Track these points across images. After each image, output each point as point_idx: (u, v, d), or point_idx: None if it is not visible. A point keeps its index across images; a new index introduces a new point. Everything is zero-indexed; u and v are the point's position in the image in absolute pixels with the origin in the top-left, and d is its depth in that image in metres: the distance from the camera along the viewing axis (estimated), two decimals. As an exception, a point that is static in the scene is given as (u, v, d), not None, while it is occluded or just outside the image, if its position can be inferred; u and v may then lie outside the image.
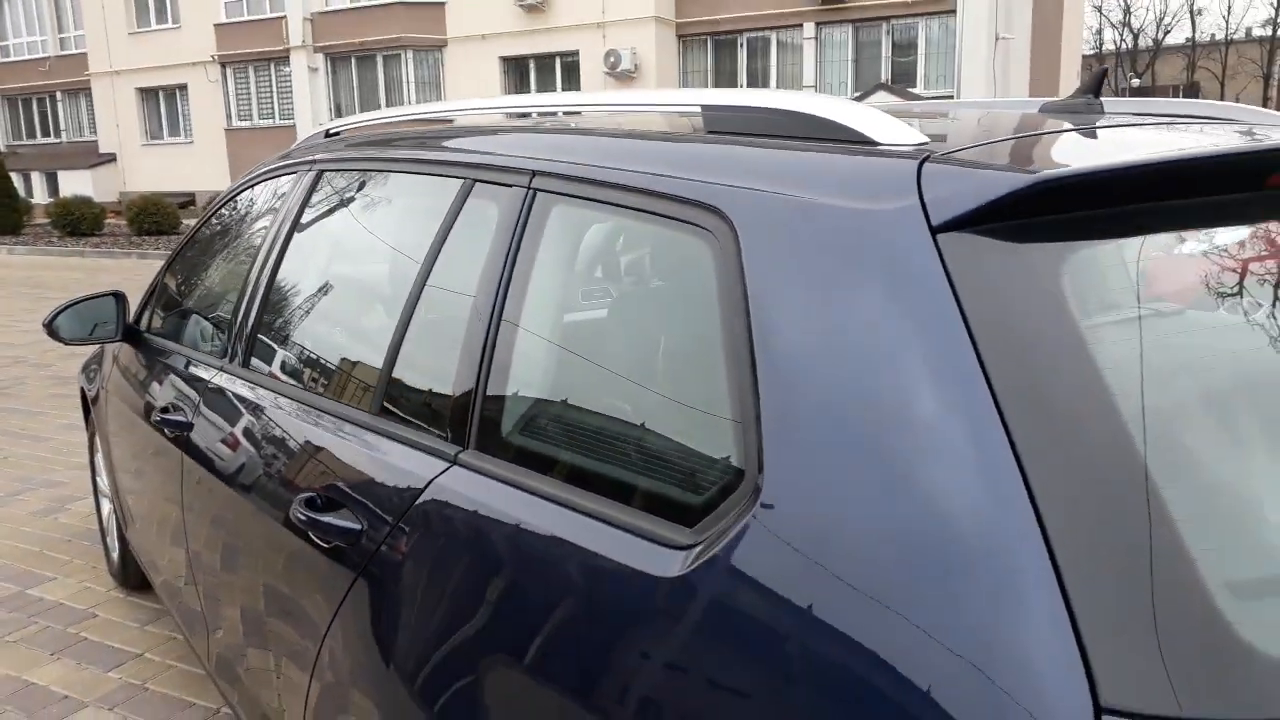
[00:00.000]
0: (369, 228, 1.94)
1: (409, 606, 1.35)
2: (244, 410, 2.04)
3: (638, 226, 1.30)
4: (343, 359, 1.85)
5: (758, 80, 21.59)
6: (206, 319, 2.53)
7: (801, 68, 21.08)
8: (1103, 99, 1.60)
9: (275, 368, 2.04)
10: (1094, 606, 0.76)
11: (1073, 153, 1.12)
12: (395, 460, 1.51)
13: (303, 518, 1.58)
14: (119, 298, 2.93)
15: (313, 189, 2.15)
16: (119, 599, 3.58)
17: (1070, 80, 25.84)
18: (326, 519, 1.55)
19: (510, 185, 1.50)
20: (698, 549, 1.01)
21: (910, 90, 18.95)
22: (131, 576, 3.53)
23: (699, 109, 1.36)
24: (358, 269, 1.96)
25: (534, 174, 1.46)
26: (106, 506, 3.70)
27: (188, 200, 25.19)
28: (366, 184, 2.00)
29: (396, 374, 1.61)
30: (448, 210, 1.63)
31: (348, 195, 2.06)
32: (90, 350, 5.72)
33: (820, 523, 0.91)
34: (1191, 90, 49.64)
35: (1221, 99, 46.86)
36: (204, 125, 26.87)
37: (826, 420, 0.94)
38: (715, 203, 1.14)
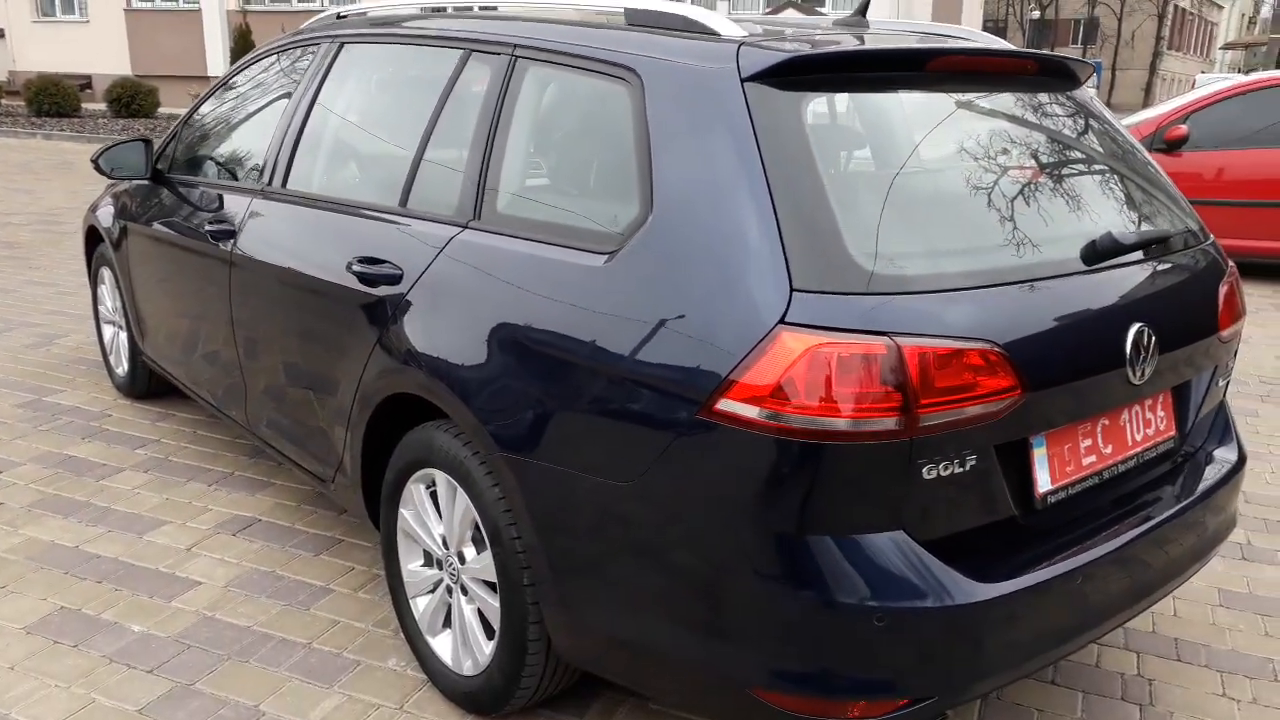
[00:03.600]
0: (386, 85, 2.74)
1: (437, 315, 2.19)
2: (290, 217, 2.81)
3: (583, 80, 2.13)
4: (373, 175, 2.65)
5: None
6: (241, 158, 3.26)
7: (717, -18, 21.58)
8: (869, 19, 2.51)
9: (315, 186, 2.82)
10: (795, 250, 1.66)
11: (819, 44, 1.97)
12: (423, 229, 2.33)
13: (359, 270, 2.41)
14: (147, 143, 3.61)
15: (336, 56, 2.90)
16: (127, 404, 4.30)
17: (973, 6, 26.85)
18: (375, 269, 2.38)
19: (498, 54, 2.32)
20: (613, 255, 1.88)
21: (819, 10, 19.68)
22: (139, 387, 4.25)
23: (622, 11, 2.20)
24: (380, 115, 2.75)
25: (515, 46, 2.28)
26: (109, 331, 4.40)
27: (85, 83, 24.49)
28: (383, 53, 2.79)
29: (417, 181, 2.42)
30: (450, 74, 2.44)
31: (368, 61, 2.84)
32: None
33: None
34: (1091, 24, 51.47)
35: (1118, 35, 49.05)
36: (102, 4, 25.93)
37: (682, 188, 1.81)
38: (631, 64, 1.98)
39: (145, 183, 3.73)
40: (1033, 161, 2.05)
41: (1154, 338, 1.95)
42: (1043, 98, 2.20)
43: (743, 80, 1.82)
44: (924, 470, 1.66)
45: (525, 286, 2.02)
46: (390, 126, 2.66)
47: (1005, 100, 2.14)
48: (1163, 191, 2.29)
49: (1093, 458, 1.96)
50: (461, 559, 2.27)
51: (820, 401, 1.59)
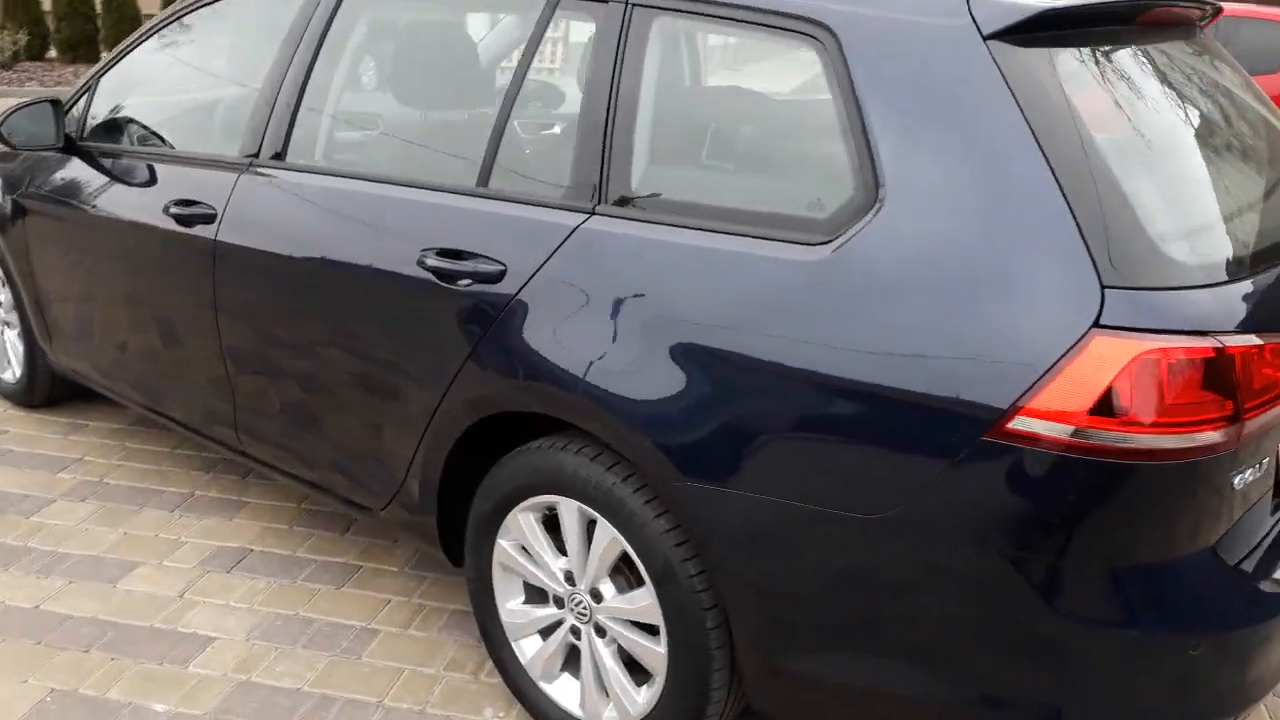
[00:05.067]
0: (429, 35, 2.28)
1: (573, 321, 1.83)
2: (310, 198, 2.31)
3: (742, 35, 1.80)
4: (433, 146, 2.21)
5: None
6: (203, 122, 2.71)
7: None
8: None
9: (339, 160, 2.35)
10: (1096, 240, 1.43)
11: None
12: (526, 216, 1.94)
13: (437, 264, 2.00)
14: (55, 104, 2.97)
15: (337, 7, 2.39)
16: (23, 416, 3.63)
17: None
18: (462, 265, 1.98)
19: (605, 1, 1.93)
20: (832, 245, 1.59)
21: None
22: (38, 395, 3.59)
23: None
24: (428, 71, 2.29)
25: (630, -5, 1.91)
26: None
27: None
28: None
29: (500, 155, 2.02)
30: (534, 24, 2.03)
31: (395, 2, 2.36)
32: None
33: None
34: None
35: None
36: None
37: (927, 168, 1.53)
38: (822, 19, 1.67)
39: (51, 153, 3.08)
40: (1247, 126, 1.89)
41: None
42: (1207, 51, 2.04)
43: (984, 38, 1.55)
44: (1234, 481, 1.49)
45: (706, 285, 1.70)
46: (447, 86, 2.23)
47: (1198, 55, 1.96)
48: None
49: None
50: (597, 596, 1.96)
51: (1149, 416, 1.38)
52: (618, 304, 1.79)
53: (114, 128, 3.00)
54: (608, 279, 1.81)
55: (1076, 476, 1.42)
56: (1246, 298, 1.50)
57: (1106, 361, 1.39)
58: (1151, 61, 1.80)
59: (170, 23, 2.89)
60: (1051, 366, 1.40)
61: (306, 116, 2.40)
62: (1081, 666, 1.48)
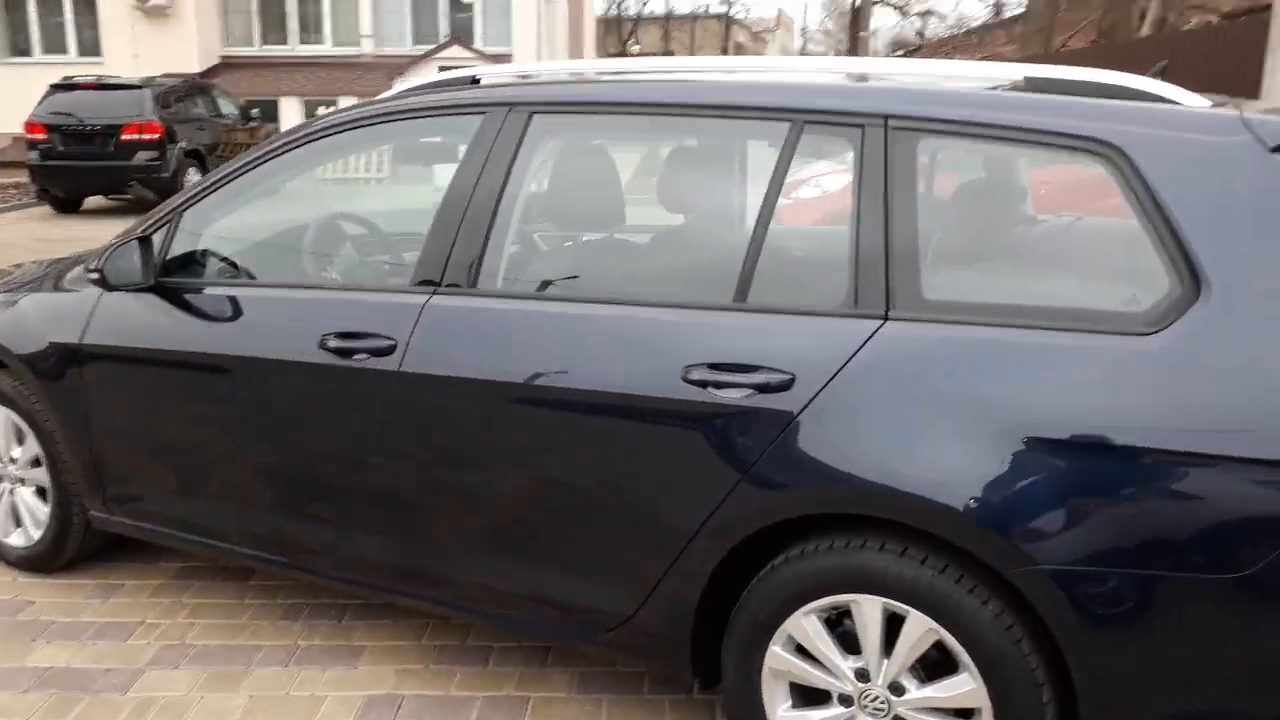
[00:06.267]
0: (648, 163, 2.33)
1: (888, 425, 1.91)
2: (533, 323, 2.30)
3: (1022, 153, 1.97)
4: (675, 266, 2.26)
5: (309, 24, 20.94)
6: (350, 255, 2.61)
7: (357, 17, 20.79)
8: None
9: (557, 284, 2.38)
10: None
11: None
12: (799, 325, 2.02)
13: (707, 378, 2.04)
14: (144, 241, 2.76)
15: (526, 129, 2.40)
16: (41, 583, 3.25)
17: (590, 41, 28.23)
18: (740, 377, 2.02)
19: (859, 126, 2.07)
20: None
21: (475, 48, 19.64)
22: (67, 553, 3.24)
23: (1022, 79, 2.07)
24: (661, 196, 2.36)
25: (887, 117, 2.05)
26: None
27: None
28: (626, 125, 2.38)
29: (759, 270, 2.09)
30: (781, 150, 2.13)
31: (597, 135, 2.41)
32: None
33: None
34: (668, 55, 56.22)
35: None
36: None
37: (1245, 263, 1.74)
38: (1107, 138, 1.87)
39: (121, 293, 2.85)
40: None
41: None
42: None
43: (1270, 151, 1.79)
44: None
45: (1031, 378, 1.83)
46: (684, 209, 2.29)
47: None
48: None
49: None
50: (897, 690, 2.00)
51: None
52: (937, 405, 1.89)
53: (210, 264, 2.84)
54: (919, 381, 1.91)
55: None
56: None
57: None
58: None
59: (250, 163, 2.80)
60: None
61: (506, 246, 2.39)
62: None
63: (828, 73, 2.47)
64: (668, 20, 55.77)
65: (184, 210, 2.88)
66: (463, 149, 2.50)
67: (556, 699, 2.62)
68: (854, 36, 44.84)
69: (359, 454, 2.50)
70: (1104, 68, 2.18)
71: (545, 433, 2.26)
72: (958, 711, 1.97)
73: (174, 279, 2.81)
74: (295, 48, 21.00)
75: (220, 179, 2.84)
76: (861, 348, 1.97)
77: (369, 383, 2.44)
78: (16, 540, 3.32)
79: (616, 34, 55.63)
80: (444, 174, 2.70)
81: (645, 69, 2.58)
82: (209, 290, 2.77)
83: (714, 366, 2.06)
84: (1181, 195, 1.81)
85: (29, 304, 3.16)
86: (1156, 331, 1.78)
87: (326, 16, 20.93)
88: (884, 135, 2.04)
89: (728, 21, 54.24)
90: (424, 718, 2.55)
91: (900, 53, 29.70)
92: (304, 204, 2.78)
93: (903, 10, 36.84)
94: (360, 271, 2.83)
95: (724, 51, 54.59)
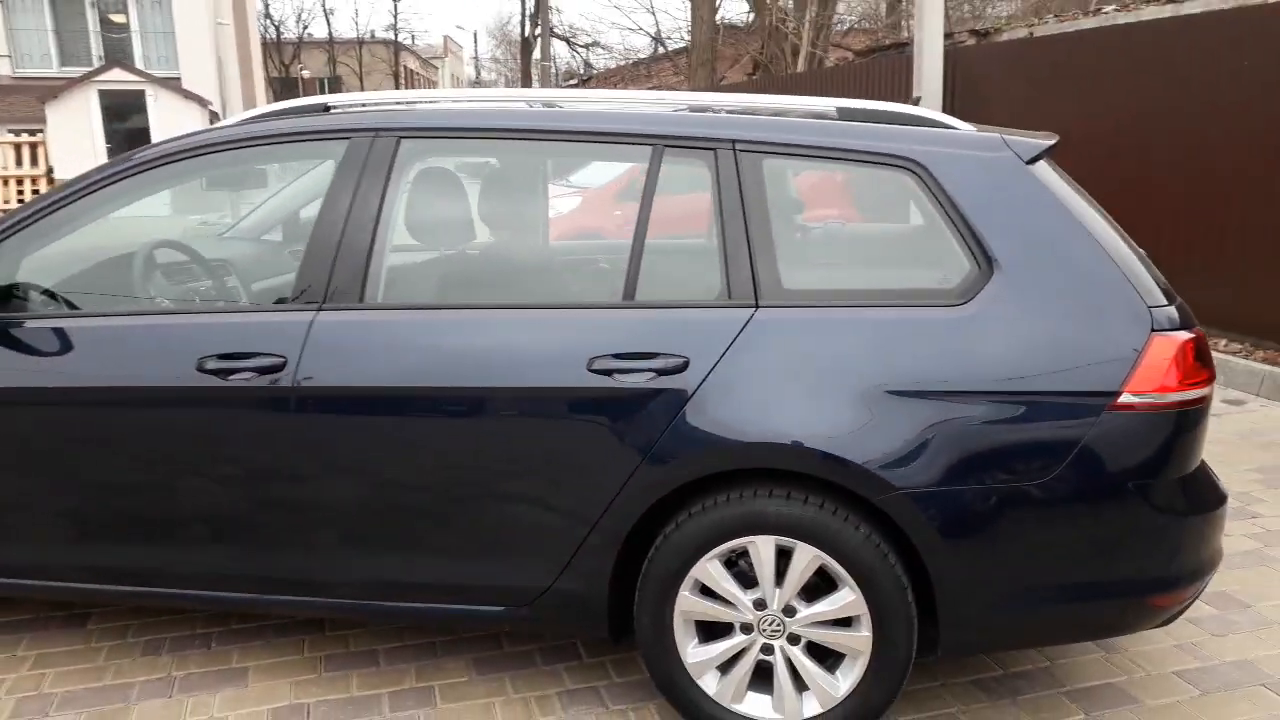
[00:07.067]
0: (512, 182, 2.60)
1: (771, 392, 2.33)
2: (430, 329, 2.50)
3: (846, 172, 2.48)
4: (551, 274, 2.53)
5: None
6: (225, 275, 2.64)
7: (-11, 35, 18.66)
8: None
9: (442, 295, 2.55)
10: (1133, 279, 2.35)
11: (1016, 134, 2.63)
12: (687, 317, 2.39)
13: (612, 366, 2.37)
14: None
15: (396, 153, 2.58)
16: None
17: (258, 65, 27.04)
18: (639, 363, 2.37)
19: (712, 149, 2.49)
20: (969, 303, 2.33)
21: (140, 70, 18.25)
22: None
23: (835, 110, 2.58)
24: (518, 212, 2.60)
25: (734, 141, 2.49)
26: None
27: None
28: (494, 149, 2.64)
29: (642, 274, 2.44)
30: (645, 171, 2.51)
31: (468, 156, 2.63)
32: None
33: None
34: (335, 82, 54.65)
35: (361, 92, 52.88)
36: None
37: (1023, 247, 2.35)
38: (909, 154, 2.42)
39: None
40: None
41: None
42: None
43: (1025, 162, 2.42)
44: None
45: (877, 345, 2.33)
46: (545, 224, 2.57)
47: None
48: None
49: None
50: (790, 612, 2.43)
51: (1178, 383, 2.31)
52: (809, 372, 2.34)
53: (45, 295, 2.75)
54: (793, 354, 2.36)
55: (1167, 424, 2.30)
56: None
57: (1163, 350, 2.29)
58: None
59: (84, 187, 2.75)
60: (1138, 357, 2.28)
61: (384, 263, 2.58)
62: (1167, 538, 2.35)
63: (659, 104, 2.87)
64: (332, 44, 54.41)
65: (14, 231, 2.77)
66: (322, 172, 2.66)
67: (459, 683, 2.82)
68: (525, 67, 46.30)
69: (249, 471, 2.57)
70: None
71: (453, 430, 2.48)
72: (840, 621, 2.43)
73: (5, 313, 2.70)
74: (-89, 67, 18.49)
75: (39, 210, 2.75)
76: (740, 332, 2.39)
77: (258, 400, 2.53)
78: None
79: (276, 58, 53.38)
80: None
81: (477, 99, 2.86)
82: (47, 323, 2.69)
83: (618, 355, 2.40)
84: (969, 197, 2.39)
85: None
86: (965, 303, 2.35)
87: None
88: (734, 156, 2.49)
89: (396, 47, 53.78)
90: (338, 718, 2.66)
91: (573, 81, 30.99)
92: (128, 233, 2.76)
93: (570, 41, 38.42)
94: (211, 294, 2.84)
95: (395, 77, 54.15)
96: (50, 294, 2.81)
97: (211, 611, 3.16)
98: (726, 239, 2.46)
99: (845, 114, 2.67)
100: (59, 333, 2.67)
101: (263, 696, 2.75)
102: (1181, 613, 2.49)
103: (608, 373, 2.40)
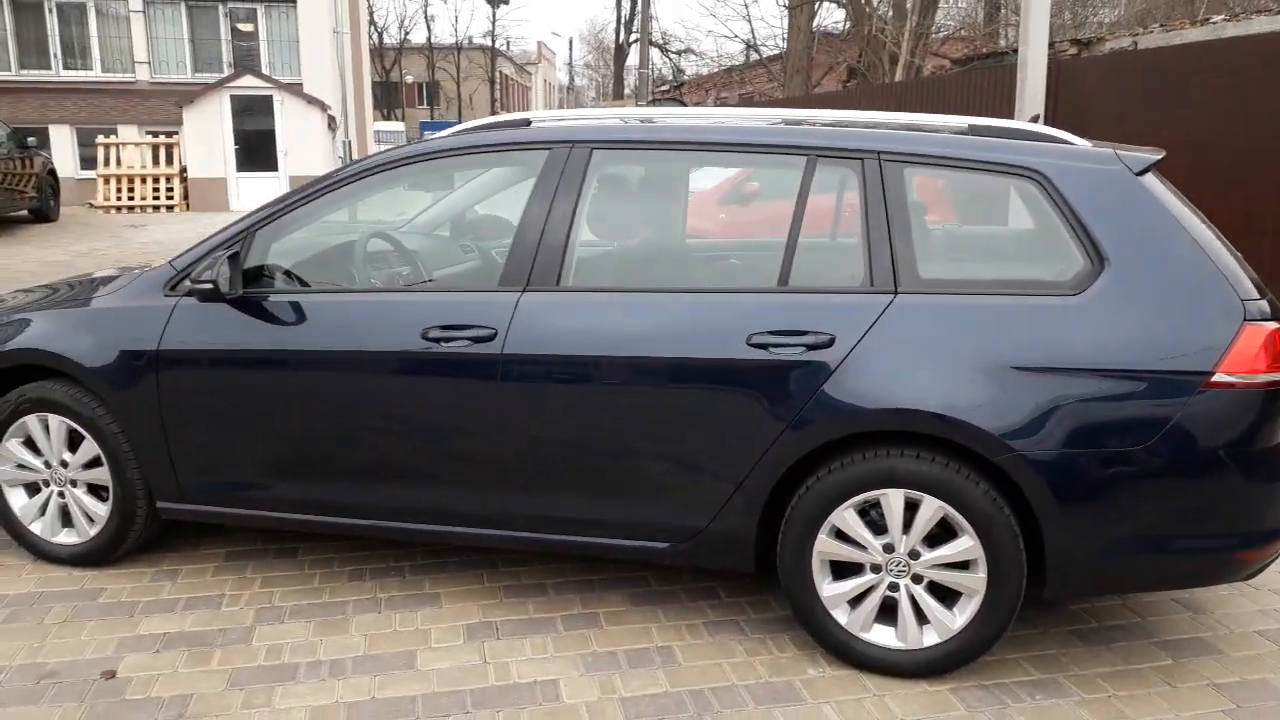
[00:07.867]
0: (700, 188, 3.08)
1: (906, 367, 2.75)
2: (617, 309, 2.98)
3: (976, 179, 2.89)
4: (724, 265, 2.99)
5: (74, 50, 19.84)
6: (445, 262, 3.17)
7: (130, 42, 19.93)
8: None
9: (627, 280, 3.05)
10: (1228, 274, 2.70)
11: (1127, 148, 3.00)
12: (834, 301, 2.83)
13: (771, 340, 2.82)
14: (234, 258, 3.19)
15: (589, 161, 3.09)
16: (98, 575, 3.54)
17: (367, 70, 28.19)
18: (793, 340, 2.81)
19: (860, 159, 2.92)
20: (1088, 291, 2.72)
21: (268, 76, 19.32)
22: (128, 546, 3.54)
23: (967, 126, 2.99)
24: (695, 213, 3.07)
25: (880, 153, 2.91)
26: (24, 498, 3.59)
27: None
28: (675, 159, 3.12)
29: (795, 265, 2.89)
30: (800, 178, 2.95)
31: (647, 165, 3.12)
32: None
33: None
34: (433, 87, 56.29)
35: (459, 98, 54.57)
36: None
37: (1130, 247, 2.72)
38: (1035, 166, 2.82)
39: (209, 303, 3.26)
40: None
41: None
42: None
43: (1134, 174, 2.80)
44: None
45: (1000, 328, 2.73)
46: (722, 222, 3.03)
47: None
48: None
49: None
50: (915, 555, 2.84)
51: (1266, 366, 2.66)
52: (942, 349, 2.76)
53: (292, 274, 3.32)
54: (928, 334, 2.77)
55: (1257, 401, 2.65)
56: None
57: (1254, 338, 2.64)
58: None
59: (324, 187, 3.32)
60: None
61: (578, 253, 3.09)
62: (1252, 500, 2.70)
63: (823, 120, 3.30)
64: (432, 50, 56.06)
65: (256, 230, 3.34)
66: (529, 179, 3.17)
67: (619, 611, 3.30)
68: (618, 73, 47.12)
69: (457, 421, 3.09)
70: (872, 107, 3.18)
71: (631, 392, 2.96)
72: (958, 564, 2.83)
73: (257, 289, 3.27)
74: (60, 73, 19.85)
75: (287, 204, 3.33)
76: (881, 315, 2.81)
77: (472, 362, 3.04)
78: (67, 539, 3.59)
79: (379, 63, 55.19)
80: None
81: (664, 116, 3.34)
82: (291, 298, 3.26)
83: (774, 332, 2.85)
84: (1085, 202, 2.78)
85: (81, 319, 3.47)
86: (1079, 294, 2.73)
87: (94, 42, 19.93)
88: (879, 165, 2.92)
89: (493, 54, 55.13)
90: (521, 634, 3.16)
91: (664, 88, 31.54)
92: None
93: (663, 48, 39.02)
94: (412, 278, 3.39)
95: (490, 83, 55.57)
96: (289, 274, 3.39)
97: (409, 543, 3.70)
98: (870, 234, 2.89)
99: (975, 130, 3.07)
100: (298, 306, 3.23)
101: (457, 615, 3.27)
102: (1264, 568, 2.83)
103: (764, 346, 2.85)
